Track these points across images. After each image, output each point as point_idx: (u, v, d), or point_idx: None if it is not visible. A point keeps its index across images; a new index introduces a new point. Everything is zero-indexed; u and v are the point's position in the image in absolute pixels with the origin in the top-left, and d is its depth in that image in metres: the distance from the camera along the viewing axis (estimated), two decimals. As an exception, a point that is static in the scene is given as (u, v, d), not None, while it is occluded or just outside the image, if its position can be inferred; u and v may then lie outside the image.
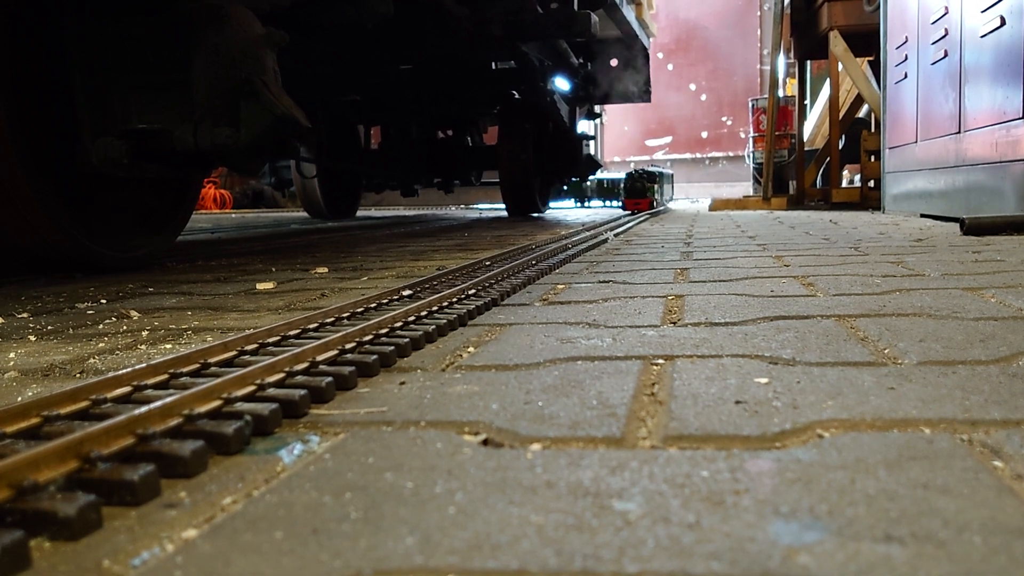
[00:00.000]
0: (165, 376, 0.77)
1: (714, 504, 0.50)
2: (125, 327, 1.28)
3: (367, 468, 0.58)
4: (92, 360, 1.03)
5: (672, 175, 9.25)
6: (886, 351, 0.92)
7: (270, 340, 0.94)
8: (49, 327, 1.30)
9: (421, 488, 0.54)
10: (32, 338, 1.21)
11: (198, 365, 0.82)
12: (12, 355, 1.08)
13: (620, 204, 5.90)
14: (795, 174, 7.21)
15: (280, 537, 0.47)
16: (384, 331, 1.00)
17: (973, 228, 2.73)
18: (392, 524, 0.48)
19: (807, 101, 8.27)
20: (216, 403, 0.67)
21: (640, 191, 5.74)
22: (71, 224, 2.05)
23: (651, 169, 6.15)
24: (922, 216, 4.11)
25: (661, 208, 6.70)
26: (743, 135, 12.44)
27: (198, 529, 0.49)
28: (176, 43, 2.06)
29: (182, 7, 2.05)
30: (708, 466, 0.57)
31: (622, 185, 6.01)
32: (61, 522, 0.47)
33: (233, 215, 8.89)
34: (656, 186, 6.09)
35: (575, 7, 4.48)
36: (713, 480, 0.54)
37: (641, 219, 4.52)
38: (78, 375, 0.95)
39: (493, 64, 5.45)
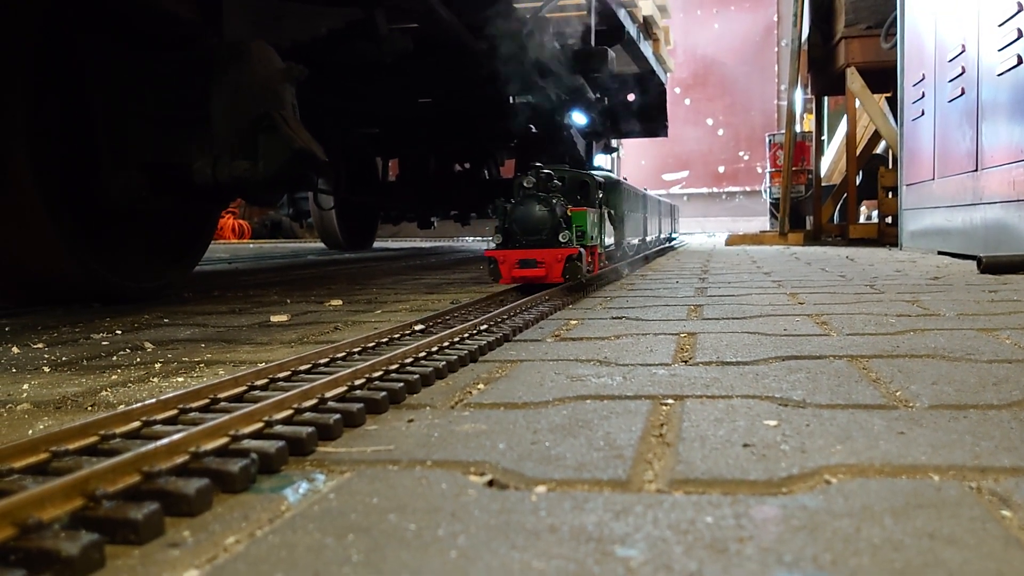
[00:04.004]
0: (174, 411, 0.78)
1: (717, 552, 0.50)
2: (139, 359, 1.29)
3: (371, 509, 0.58)
4: (104, 393, 1.04)
5: (674, 207, 6.78)
6: (898, 393, 0.91)
7: (280, 375, 0.95)
8: (63, 358, 1.31)
9: (424, 531, 0.54)
10: (46, 369, 1.22)
11: (207, 400, 0.82)
12: (26, 386, 1.09)
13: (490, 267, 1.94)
14: (812, 209, 7.20)
15: (281, 579, 0.47)
16: (394, 367, 1.00)
17: (990, 266, 2.71)
18: (393, 568, 0.48)
19: (824, 137, 8.28)
20: (223, 440, 0.68)
21: (546, 228, 1.92)
22: (89, 255, 2.07)
23: (586, 174, 2.28)
24: (939, 253, 4.09)
25: (644, 257, 3.67)
26: (760, 170, 12.45)
27: (199, 569, 0.49)
28: (196, 78, 2.09)
29: (203, 43, 2.09)
30: (713, 512, 0.56)
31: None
32: (64, 561, 0.47)
33: (251, 245, 8.95)
34: (594, 219, 2.17)
35: (592, 43, 4.52)
36: (717, 527, 0.54)
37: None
38: (90, 408, 0.96)
39: (511, 98, 5.49)
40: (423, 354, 1.10)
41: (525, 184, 1.97)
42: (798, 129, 7.59)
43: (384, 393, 0.89)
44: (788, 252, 4.90)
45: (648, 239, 4.32)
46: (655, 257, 4.20)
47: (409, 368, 1.02)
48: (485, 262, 1.95)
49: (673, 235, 6.37)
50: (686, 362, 1.14)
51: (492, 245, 1.96)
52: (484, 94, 4.97)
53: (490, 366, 1.14)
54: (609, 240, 2.55)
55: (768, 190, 9.32)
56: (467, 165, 6.12)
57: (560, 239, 1.91)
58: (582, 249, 1.96)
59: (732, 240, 6.54)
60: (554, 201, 1.93)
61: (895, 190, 5.41)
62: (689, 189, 13.83)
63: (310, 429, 0.74)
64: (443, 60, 4.10)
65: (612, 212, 2.62)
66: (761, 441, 0.73)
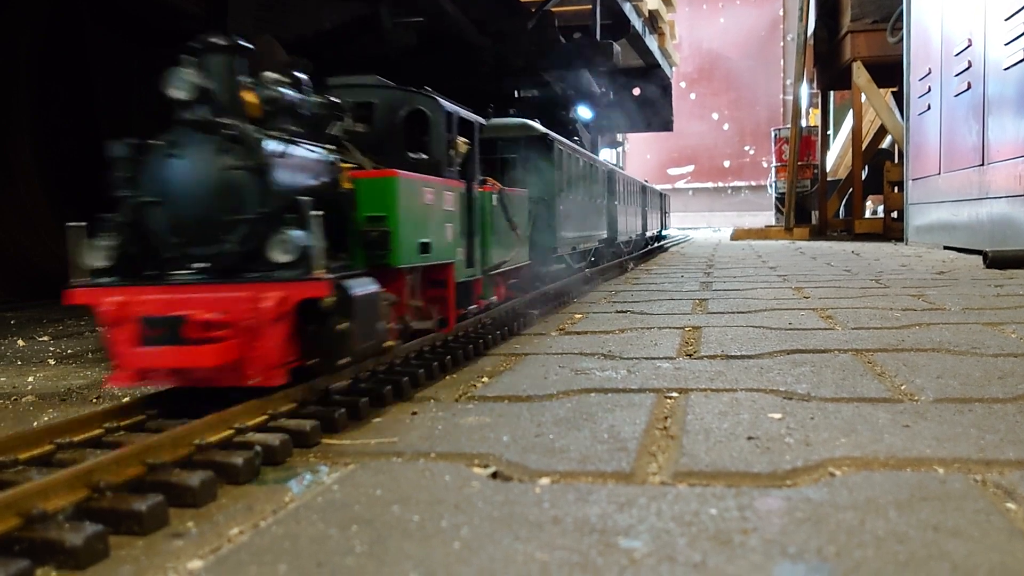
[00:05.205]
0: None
1: (721, 543, 0.50)
2: (144, 353, 1.29)
3: (375, 500, 0.58)
4: (109, 385, 1.04)
5: (664, 196, 6.01)
6: (903, 387, 0.91)
7: (285, 368, 0.95)
8: (69, 351, 1.32)
9: (427, 522, 0.54)
10: (51, 362, 1.22)
11: (212, 393, 0.82)
12: (31, 379, 1.09)
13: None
14: (817, 204, 7.19)
15: (284, 570, 0.47)
16: (399, 361, 1.00)
17: (996, 261, 2.70)
18: (396, 559, 0.48)
19: (830, 131, 8.26)
20: (227, 432, 0.68)
21: (238, 223, 0.77)
22: (95, 249, 2.08)
23: (425, 96, 1.18)
24: (945, 248, 4.08)
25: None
26: (765, 165, 12.44)
27: (203, 560, 0.49)
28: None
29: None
30: (717, 504, 0.56)
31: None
32: (68, 552, 0.47)
33: (256, 240, 8.96)
34: (450, 204, 1.08)
35: (597, 37, 4.51)
36: (721, 518, 0.54)
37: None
38: (94, 400, 0.96)
39: (516, 93, 5.48)
40: (428, 348, 1.10)
41: (177, 93, 0.87)
42: (804, 124, 7.57)
43: (388, 386, 0.89)
44: (793, 247, 4.89)
45: (622, 239, 2.95)
46: (632, 265, 3.11)
47: (413, 362, 1.02)
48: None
49: (662, 232, 5.28)
50: (690, 356, 1.14)
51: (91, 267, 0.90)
52: (489, 89, 4.96)
53: (495, 359, 1.14)
54: (503, 251, 1.39)
55: (773, 185, 9.29)
56: (472, 160, 6.11)
57: (273, 257, 0.79)
58: (355, 286, 0.82)
59: (737, 235, 6.53)
60: (271, 146, 0.86)
61: (901, 185, 5.39)
62: (694, 183, 13.82)
63: (314, 422, 0.74)
64: (448, 55, 4.10)
65: (505, 195, 1.42)
66: (765, 434, 0.73)
